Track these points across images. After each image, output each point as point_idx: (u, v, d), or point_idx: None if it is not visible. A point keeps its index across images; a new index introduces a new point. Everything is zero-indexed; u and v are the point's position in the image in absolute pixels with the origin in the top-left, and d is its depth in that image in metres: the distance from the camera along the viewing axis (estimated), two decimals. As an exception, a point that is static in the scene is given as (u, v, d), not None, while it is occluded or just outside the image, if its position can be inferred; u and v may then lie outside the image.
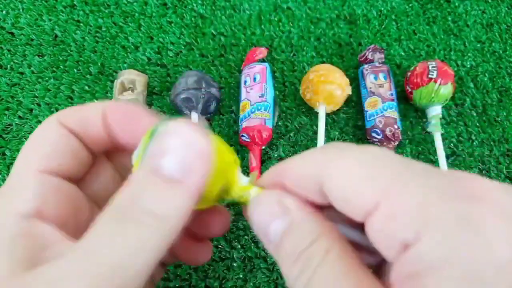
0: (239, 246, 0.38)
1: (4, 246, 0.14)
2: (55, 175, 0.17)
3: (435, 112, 0.44)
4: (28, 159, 0.17)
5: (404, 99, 0.47)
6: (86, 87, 0.46)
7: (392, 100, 0.44)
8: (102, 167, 0.20)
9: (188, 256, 0.22)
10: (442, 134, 0.43)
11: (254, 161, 0.42)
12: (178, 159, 0.14)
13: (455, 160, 0.44)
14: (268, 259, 0.38)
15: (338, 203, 0.14)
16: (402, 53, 0.51)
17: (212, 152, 0.15)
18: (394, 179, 0.12)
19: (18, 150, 0.42)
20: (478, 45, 0.52)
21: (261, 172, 0.42)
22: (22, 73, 0.47)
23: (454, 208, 0.11)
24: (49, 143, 0.17)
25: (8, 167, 0.41)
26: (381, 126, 0.42)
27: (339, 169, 0.14)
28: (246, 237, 0.39)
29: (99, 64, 0.48)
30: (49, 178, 0.16)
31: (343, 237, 0.15)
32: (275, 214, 0.15)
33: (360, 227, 0.14)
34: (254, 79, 0.45)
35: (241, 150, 0.44)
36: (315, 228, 0.14)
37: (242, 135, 0.43)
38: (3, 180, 0.40)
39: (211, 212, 0.20)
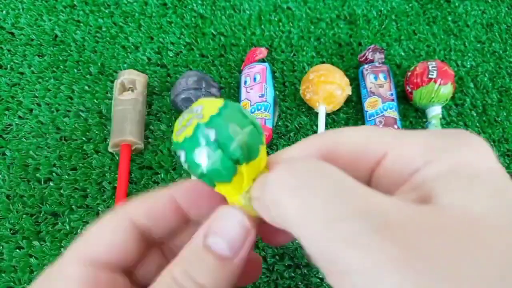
0: (239, 246, 0.38)
1: None
2: (105, 270, 0.17)
3: (435, 112, 0.44)
4: (81, 250, 0.17)
5: (404, 99, 0.47)
6: (86, 87, 0.46)
7: (392, 100, 0.44)
8: (152, 254, 0.20)
9: None
10: (442, 134, 0.43)
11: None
12: (229, 239, 0.16)
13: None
14: (268, 259, 0.38)
15: (350, 156, 0.16)
16: (402, 53, 0.51)
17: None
18: (397, 134, 0.15)
19: (18, 150, 0.42)
20: (478, 45, 0.52)
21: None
22: (22, 73, 0.47)
23: (451, 141, 0.14)
24: (112, 240, 0.17)
25: (8, 167, 0.41)
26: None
27: (346, 132, 0.16)
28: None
29: (99, 64, 0.48)
30: (97, 271, 0.17)
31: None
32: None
33: None
34: (254, 79, 0.45)
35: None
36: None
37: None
38: (3, 180, 0.40)
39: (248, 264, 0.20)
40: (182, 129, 0.16)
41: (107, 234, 0.17)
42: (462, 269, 0.10)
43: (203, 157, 0.16)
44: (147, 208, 0.18)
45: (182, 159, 0.16)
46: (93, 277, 0.16)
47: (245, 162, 0.16)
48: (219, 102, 0.17)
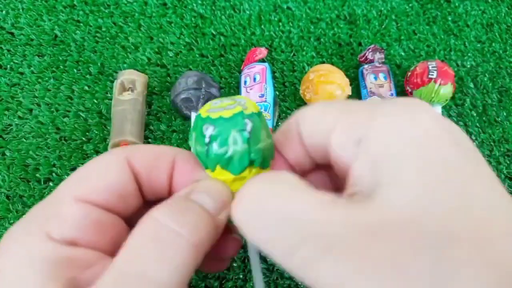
0: (239, 246, 0.38)
1: (46, 271, 0.14)
2: (100, 208, 0.16)
3: (435, 112, 0.44)
4: (77, 186, 0.17)
5: (404, 99, 0.47)
6: (86, 87, 0.46)
7: (392, 100, 0.44)
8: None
9: (206, 268, 0.22)
10: (442, 134, 0.43)
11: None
12: (213, 196, 0.17)
13: (455, 160, 0.44)
14: (268, 260, 0.38)
15: (308, 139, 0.18)
16: (402, 53, 0.51)
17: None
18: (344, 107, 0.17)
19: (18, 150, 0.42)
20: (478, 45, 0.52)
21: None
22: (22, 73, 0.47)
23: (391, 109, 0.15)
24: (106, 177, 0.17)
25: (8, 167, 0.41)
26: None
27: (305, 113, 0.18)
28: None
29: (99, 64, 0.48)
30: (94, 211, 0.16)
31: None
32: None
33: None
34: (254, 79, 0.45)
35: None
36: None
37: (242, 135, 0.43)
38: (3, 180, 0.40)
39: (225, 239, 0.20)
40: (219, 109, 0.17)
41: (106, 173, 0.17)
42: (397, 270, 0.12)
43: (231, 141, 0.17)
44: (147, 160, 0.18)
45: (207, 132, 0.17)
46: (91, 216, 0.16)
47: (257, 167, 0.17)
48: (258, 107, 0.18)
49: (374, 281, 0.12)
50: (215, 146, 0.17)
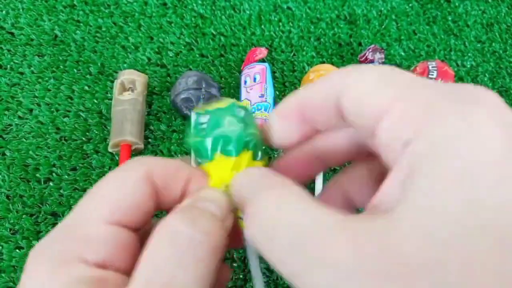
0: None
1: None
2: (123, 227, 0.16)
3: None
4: (101, 207, 0.16)
5: (404, 99, 0.47)
6: (86, 87, 0.46)
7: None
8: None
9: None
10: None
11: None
12: (218, 203, 0.17)
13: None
14: (268, 259, 0.38)
15: (352, 116, 0.15)
16: (402, 53, 0.51)
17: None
18: (404, 87, 0.13)
19: (18, 150, 0.42)
20: (478, 45, 0.52)
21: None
22: (22, 73, 0.47)
23: (455, 108, 0.12)
24: (132, 197, 0.17)
25: (8, 167, 0.41)
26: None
27: (354, 81, 0.14)
28: (246, 237, 0.39)
29: (99, 64, 0.48)
30: (121, 231, 0.16)
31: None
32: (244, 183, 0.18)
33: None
34: (254, 79, 0.45)
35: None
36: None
37: (242, 135, 0.43)
38: (3, 180, 0.40)
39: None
40: (213, 104, 0.19)
41: (129, 192, 0.17)
42: None
43: (227, 123, 0.18)
44: (165, 174, 0.18)
45: (203, 120, 0.18)
46: (118, 238, 0.16)
47: (250, 152, 0.18)
48: (247, 106, 0.20)
49: None
50: (212, 130, 0.18)
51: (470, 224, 0.11)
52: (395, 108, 0.13)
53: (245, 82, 0.45)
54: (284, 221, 0.14)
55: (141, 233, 0.18)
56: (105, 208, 0.16)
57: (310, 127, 0.17)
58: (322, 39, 0.51)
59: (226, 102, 0.19)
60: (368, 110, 0.14)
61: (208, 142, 0.18)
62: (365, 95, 0.14)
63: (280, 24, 0.52)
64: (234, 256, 0.38)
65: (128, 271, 0.16)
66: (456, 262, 0.10)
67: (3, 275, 0.36)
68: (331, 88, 0.15)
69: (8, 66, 0.47)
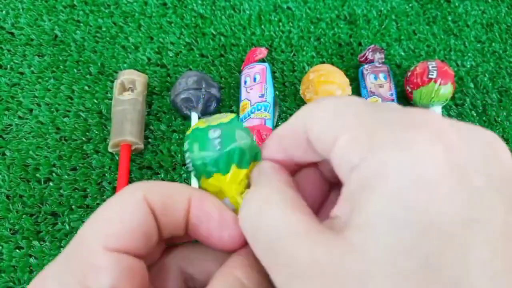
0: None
1: None
2: (128, 254, 0.16)
3: (435, 112, 0.44)
4: (104, 234, 0.16)
5: (404, 99, 0.47)
6: (86, 87, 0.46)
7: (392, 100, 0.44)
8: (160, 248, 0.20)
9: None
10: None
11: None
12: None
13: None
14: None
15: (316, 145, 0.16)
16: (402, 53, 0.51)
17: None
18: (353, 117, 0.15)
19: (18, 150, 0.42)
20: (478, 45, 0.52)
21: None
22: (22, 73, 0.47)
23: (395, 134, 0.13)
24: (130, 221, 0.17)
25: (8, 167, 0.41)
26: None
27: (314, 118, 0.16)
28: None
29: (99, 64, 0.48)
30: (124, 258, 0.16)
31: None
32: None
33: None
34: (254, 79, 0.45)
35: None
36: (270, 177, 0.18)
37: (242, 135, 0.43)
38: (3, 180, 0.40)
39: None
40: (215, 120, 0.19)
41: (129, 217, 0.17)
42: None
43: (238, 137, 0.19)
44: (164, 197, 0.18)
45: (215, 135, 0.19)
46: (122, 265, 0.16)
47: (257, 161, 0.19)
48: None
49: None
50: (228, 144, 0.18)
51: (394, 245, 0.12)
52: (343, 137, 0.14)
53: (245, 82, 0.45)
54: (264, 223, 0.15)
55: (151, 265, 0.18)
56: (105, 235, 0.16)
57: (293, 163, 0.19)
58: (322, 39, 0.51)
59: (227, 116, 0.19)
60: (324, 140, 0.16)
61: (223, 157, 0.18)
62: (321, 127, 0.16)
63: (280, 24, 0.52)
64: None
65: None
66: (381, 275, 0.12)
67: (3, 275, 0.36)
68: (300, 125, 0.17)
69: (8, 66, 0.47)
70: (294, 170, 0.19)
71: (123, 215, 0.17)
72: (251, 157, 0.19)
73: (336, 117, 0.15)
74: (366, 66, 0.46)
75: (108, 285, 0.15)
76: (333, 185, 0.20)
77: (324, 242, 0.13)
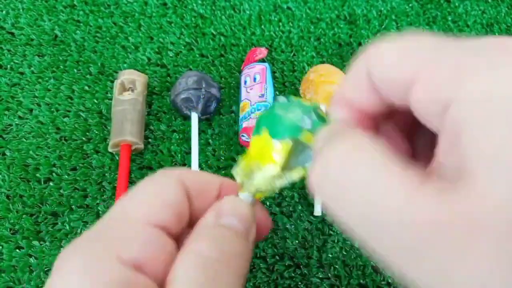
0: (239, 246, 0.38)
1: None
2: (162, 230, 0.16)
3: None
4: (141, 208, 0.16)
5: (404, 99, 0.47)
6: (86, 87, 0.46)
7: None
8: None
9: None
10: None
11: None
12: (241, 218, 0.18)
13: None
14: (268, 259, 0.38)
15: (386, 89, 0.14)
16: (402, 53, 0.51)
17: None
18: (428, 49, 0.13)
19: (18, 150, 0.42)
20: (478, 45, 0.52)
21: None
22: (22, 73, 0.47)
23: (485, 61, 0.11)
24: (166, 199, 0.17)
25: (8, 167, 0.41)
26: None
27: (378, 59, 0.14)
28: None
29: (99, 64, 0.48)
30: (158, 233, 0.16)
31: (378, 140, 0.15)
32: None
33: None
34: (254, 79, 0.45)
35: (241, 150, 0.44)
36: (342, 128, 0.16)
37: (242, 135, 0.43)
38: (3, 180, 0.40)
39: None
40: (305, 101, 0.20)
41: (167, 195, 0.17)
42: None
43: (292, 112, 0.19)
44: (198, 183, 0.18)
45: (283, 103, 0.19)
46: (159, 240, 0.16)
47: (290, 144, 0.19)
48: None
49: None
50: (276, 111, 0.19)
51: None
52: (423, 74, 0.13)
53: (245, 82, 0.45)
54: (355, 181, 0.13)
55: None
56: (145, 209, 0.16)
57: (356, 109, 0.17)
58: (322, 39, 0.51)
59: (313, 103, 0.20)
60: (397, 83, 0.14)
61: (264, 118, 0.19)
62: (390, 68, 0.14)
63: (280, 24, 0.52)
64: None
65: (159, 280, 0.15)
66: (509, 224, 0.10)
67: (3, 275, 0.36)
68: (363, 71, 0.15)
69: (8, 66, 0.47)
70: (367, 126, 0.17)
71: (164, 193, 0.17)
72: (286, 132, 0.18)
73: (406, 54, 0.13)
74: (366, 66, 0.46)
75: (141, 259, 0.15)
76: (411, 133, 0.18)
77: (440, 197, 0.11)
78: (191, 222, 0.18)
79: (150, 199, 0.17)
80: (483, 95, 0.11)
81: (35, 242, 0.38)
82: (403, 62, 0.13)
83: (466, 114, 0.11)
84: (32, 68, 0.47)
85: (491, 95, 0.11)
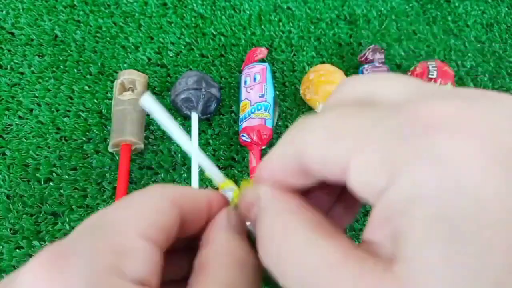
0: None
1: None
2: (159, 248, 0.16)
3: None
4: (140, 222, 0.16)
5: (404, 99, 0.47)
6: (86, 87, 0.46)
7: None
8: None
9: None
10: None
11: (254, 161, 0.42)
12: None
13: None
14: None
15: (318, 170, 0.14)
16: (402, 53, 0.51)
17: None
18: (356, 131, 0.13)
19: (18, 150, 0.42)
20: (478, 45, 0.52)
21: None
22: (22, 73, 0.47)
23: (413, 143, 0.11)
24: (162, 214, 0.17)
25: (8, 167, 0.41)
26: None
27: (308, 143, 0.14)
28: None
29: (99, 64, 0.48)
30: (153, 247, 0.16)
31: (312, 209, 0.16)
32: (251, 203, 0.17)
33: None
34: (254, 79, 0.45)
35: (241, 150, 0.44)
36: (279, 206, 0.16)
37: (242, 135, 0.43)
38: (3, 180, 0.40)
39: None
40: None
41: (159, 211, 0.17)
42: None
43: None
44: (190, 200, 0.18)
45: None
46: (156, 255, 0.16)
47: None
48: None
49: None
50: None
51: (452, 276, 0.10)
52: (356, 160, 0.13)
53: (245, 82, 0.45)
54: (291, 259, 0.14)
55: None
56: (141, 222, 0.16)
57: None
58: (322, 39, 0.51)
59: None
60: (330, 167, 0.14)
61: None
62: (321, 151, 0.14)
63: (280, 24, 0.52)
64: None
65: None
66: None
67: (3, 275, 0.36)
68: (291, 154, 0.15)
69: (8, 66, 0.47)
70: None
71: (159, 208, 0.17)
72: None
73: (336, 137, 0.13)
74: (366, 66, 0.46)
75: (142, 274, 0.15)
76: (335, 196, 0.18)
77: (371, 277, 0.12)
78: (179, 234, 0.18)
79: (145, 212, 0.16)
80: (415, 189, 0.11)
81: (35, 242, 0.38)
82: (332, 150, 0.13)
83: (398, 204, 0.12)
84: (32, 68, 0.47)
85: (421, 191, 0.11)
